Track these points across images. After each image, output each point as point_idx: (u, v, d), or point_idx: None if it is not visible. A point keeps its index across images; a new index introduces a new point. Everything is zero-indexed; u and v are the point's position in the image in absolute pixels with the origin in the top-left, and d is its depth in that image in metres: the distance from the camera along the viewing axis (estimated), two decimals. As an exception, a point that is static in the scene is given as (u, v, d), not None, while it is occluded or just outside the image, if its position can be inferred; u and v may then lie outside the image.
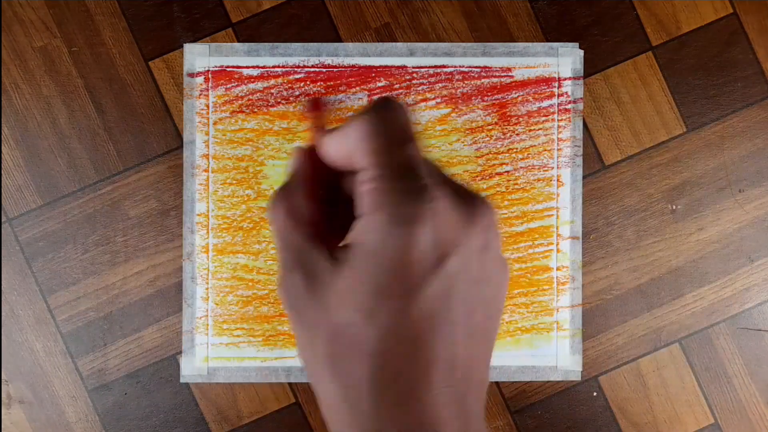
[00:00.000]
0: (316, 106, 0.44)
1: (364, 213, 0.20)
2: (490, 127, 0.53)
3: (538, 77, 0.53)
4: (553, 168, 0.53)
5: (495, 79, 0.53)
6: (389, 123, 0.21)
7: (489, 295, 0.22)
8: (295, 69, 0.52)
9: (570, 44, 0.53)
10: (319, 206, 0.23)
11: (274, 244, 0.24)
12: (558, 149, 0.53)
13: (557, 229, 0.53)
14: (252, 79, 0.52)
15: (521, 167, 0.53)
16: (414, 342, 0.20)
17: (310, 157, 0.25)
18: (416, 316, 0.20)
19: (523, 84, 0.53)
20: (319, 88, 0.52)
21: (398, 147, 0.21)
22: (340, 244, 0.22)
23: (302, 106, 0.52)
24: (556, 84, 0.53)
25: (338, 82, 0.52)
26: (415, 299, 0.20)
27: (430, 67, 0.53)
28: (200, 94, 0.53)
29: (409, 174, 0.20)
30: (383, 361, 0.20)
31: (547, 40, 0.53)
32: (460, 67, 0.53)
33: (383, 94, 0.23)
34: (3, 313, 0.53)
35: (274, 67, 0.52)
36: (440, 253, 0.20)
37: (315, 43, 0.53)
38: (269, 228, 0.24)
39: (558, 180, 0.53)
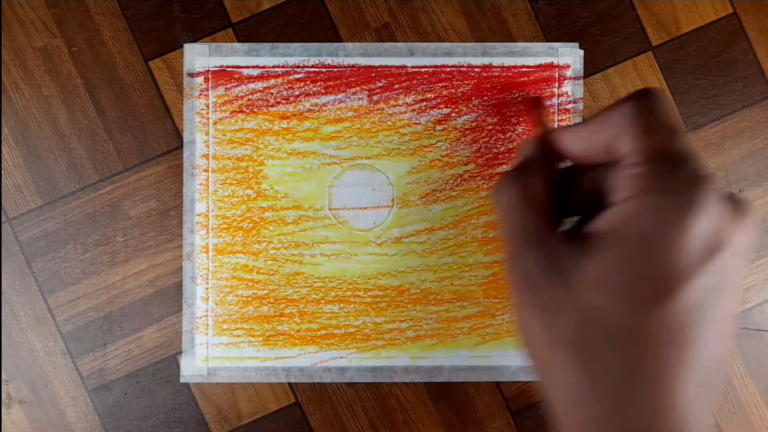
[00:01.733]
0: (540, 103, 0.47)
1: (631, 196, 0.20)
2: (490, 127, 0.53)
3: (538, 77, 0.53)
4: (553, 168, 0.53)
5: (495, 79, 0.53)
6: (656, 109, 0.21)
7: (740, 298, 0.21)
8: (295, 69, 0.52)
9: (570, 44, 0.53)
10: (551, 192, 0.23)
11: (499, 222, 0.23)
12: (558, 149, 0.53)
13: (557, 229, 0.53)
14: (252, 79, 0.53)
15: (521, 167, 0.52)
16: (677, 334, 0.19)
17: (548, 145, 0.24)
18: (682, 308, 0.19)
19: (523, 84, 0.53)
20: (319, 88, 0.52)
21: (669, 134, 0.21)
22: (585, 230, 0.21)
23: (524, 104, 0.52)
24: (556, 84, 0.53)
25: (338, 82, 0.52)
26: (684, 289, 0.19)
27: (430, 67, 0.53)
28: (200, 94, 0.53)
29: (686, 161, 0.20)
30: (645, 351, 0.19)
31: (547, 40, 0.53)
32: (460, 67, 0.53)
33: (645, 87, 0.23)
34: (3, 313, 0.53)
35: (274, 67, 0.52)
36: (713, 245, 0.19)
37: (315, 43, 0.53)
38: (495, 207, 0.23)
39: (558, 180, 0.53)
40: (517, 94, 0.53)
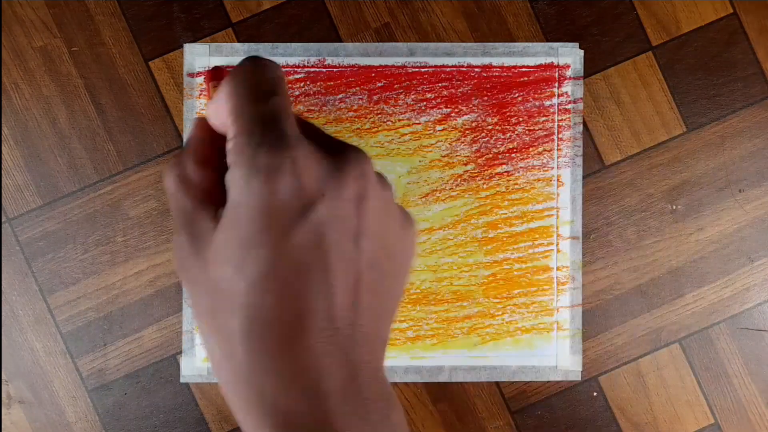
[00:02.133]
0: (216, 75, 0.45)
1: (229, 170, 0.21)
2: (490, 127, 0.53)
3: (538, 77, 0.53)
4: (553, 168, 0.53)
5: (495, 79, 0.53)
6: (248, 80, 0.22)
7: (373, 248, 0.21)
8: (295, 69, 0.52)
9: (570, 44, 0.53)
10: (211, 172, 0.24)
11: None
12: (558, 149, 0.53)
13: (557, 229, 0.53)
14: (252, 79, 0.52)
15: (521, 167, 0.53)
16: (283, 292, 0.20)
17: (206, 124, 0.25)
18: (284, 266, 0.20)
19: (523, 84, 0.53)
20: (319, 88, 0.52)
21: (256, 102, 0.21)
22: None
23: (204, 77, 0.52)
24: (556, 84, 0.53)
25: (338, 82, 0.52)
26: (281, 249, 0.20)
27: (430, 67, 0.53)
28: (200, 94, 0.53)
29: (266, 127, 0.21)
30: (254, 312, 0.20)
31: (547, 40, 0.53)
32: (460, 67, 0.53)
33: (245, 58, 0.24)
34: (3, 313, 0.53)
35: (274, 67, 0.52)
36: (304, 203, 0.20)
37: (315, 43, 0.53)
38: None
39: (558, 180, 0.53)
40: (519, 95, 0.53)
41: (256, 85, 0.22)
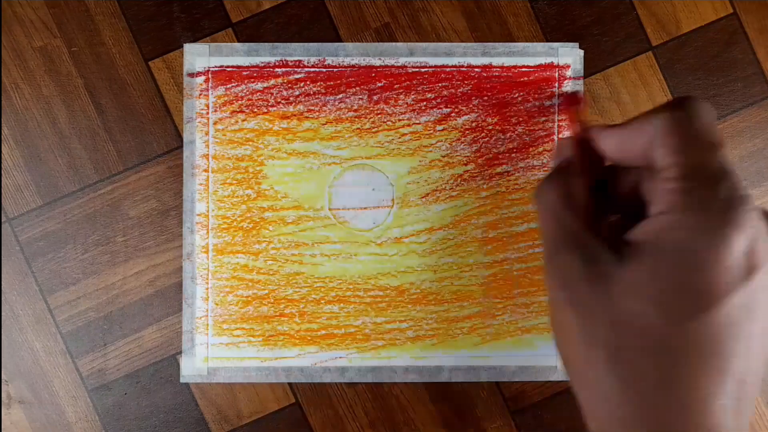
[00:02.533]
0: (576, 99, 0.45)
1: (666, 211, 0.20)
2: (490, 127, 0.53)
3: (538, 77, 0.53)
4: (553, 168, 0.53)
5: (495, 79, 0.53)
6: (696, 122, 0.21)
7: None
8: (295, 69, 0.52)
9: (570, 44, 0.53)
10: (591, 195, 0.23)
11: (540, 222, 0.24)
12: (558, 149, 0.53)
13: (557, 229, 0.53)
14: (252, 79, 0.53)
15: (521, 167, 0.53)
16: (711, 347, 0.20)
17: (586, 148, 0.25)
18: (718, 323, 0.19)
19: (523, 84, 0.53)
20: (319, 88, 0.52)
21: (707, 150, 0.21)
22: (623, 238, 0.22)
23: (560, 100, 0.52)
24: (556, 84, 0.53)
25: (338, 82, 0.52)
26: (720, 305, 0.19)
27: (430, 67, 0.53)
28: (200, 94, 0.53)
29: (725, 180, 0.20)
30: (677, 360, 0.20)
31: (547, 40, 0.53)
32: (460, 67, 0.53)
33: (686, 95, 0.23)
34: (3, 313, 0.53)
35: (274, 67, 0.53)
36: (750, 264, 0.20)
37: (315, 43, 0.53)
38: (537, 208, 0.24)
39: (558, 180, 0.53)
40: (519, 95, 0.53)
41: (705, 131, 0.21)
